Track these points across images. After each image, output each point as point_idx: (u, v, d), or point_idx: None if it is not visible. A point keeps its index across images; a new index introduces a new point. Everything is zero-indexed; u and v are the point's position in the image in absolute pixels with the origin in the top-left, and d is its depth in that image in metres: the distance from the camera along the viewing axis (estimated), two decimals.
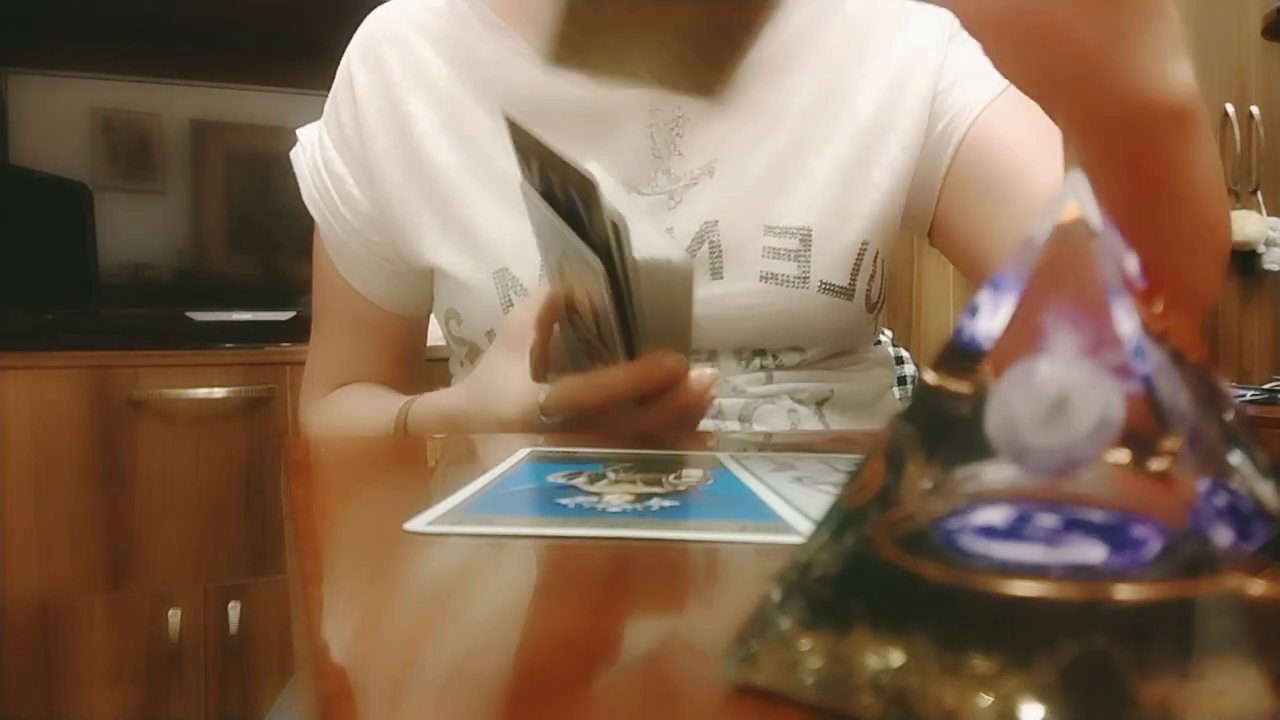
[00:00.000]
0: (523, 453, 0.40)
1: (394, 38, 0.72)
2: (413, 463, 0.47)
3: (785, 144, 0.67)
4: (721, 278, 0.66)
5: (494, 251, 0.67)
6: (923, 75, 0.68)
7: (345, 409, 0.75)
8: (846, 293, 0.67)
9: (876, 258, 0.69)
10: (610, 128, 0.68)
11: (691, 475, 0.36)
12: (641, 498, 0.31)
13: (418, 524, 0.27)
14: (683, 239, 0.66)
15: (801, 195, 0.66)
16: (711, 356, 0.66)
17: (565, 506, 0.30)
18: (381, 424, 0.67)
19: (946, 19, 0.70)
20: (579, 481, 0.34)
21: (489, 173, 0.68)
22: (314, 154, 0.76)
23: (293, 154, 0.77)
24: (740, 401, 0.66)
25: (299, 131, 0.78)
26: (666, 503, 0.31)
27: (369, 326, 0.77)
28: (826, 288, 0.66)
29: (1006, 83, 0.68)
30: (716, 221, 0.66)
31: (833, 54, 0.69)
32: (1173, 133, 0.38)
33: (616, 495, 0.32)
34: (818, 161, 0.67)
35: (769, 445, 0.52)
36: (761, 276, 0.65)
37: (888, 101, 0.68)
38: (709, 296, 0.65)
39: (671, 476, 0.35)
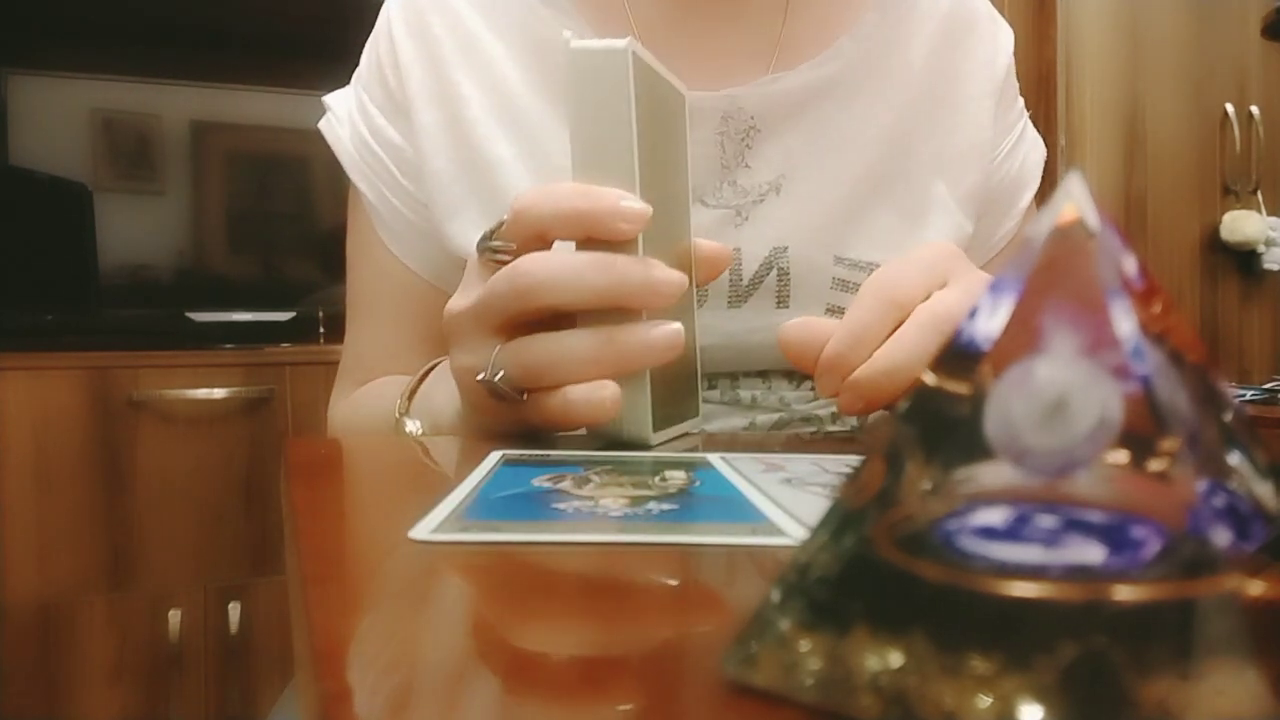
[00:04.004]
0: (494, 456, 0.39)
1: (441, 7, 0.66)
2: (412, 462, 0.47)
3: (860, 174, 0.66)
4: (787, 306, 0.63)
5: None
6: (975, 162, 0.70)
7: (368, 391, 0.68)
8: None
9: None
10: None
11: (676, 477, 0.35)
12: (637, 501, 0.31)
13: (420, 531, 0.27)
14: (751, 262, 0.63)
15: (874, 230, 0.65)
16: (764, 376, 0.65)
17: (563, 511, 0.30)
18: (401, 385, 0.59)
19: (989, 97, 0.71)
20: (566, 485, 0.33)
21: (544, 167, 0.63)
22: (356, 125, 0.68)
23: (323, 126, 0.70)
24: (776, 415, 0.64)
25: (327, 100, 0.71)
26: (665, 506, 0.31)
27: (418, 309, 0.69)
28: None
29: (1013, 232, 0.73)
30: (786, 248, 0.64)
31: (905, 90, 0.68)
32: None
33: (612, 499, 0.31)
34: (889, 199, 0.66)
35: (762, 446, 0.52)
36: (827, 309, 0.64)
37: (949, 164, 0.68)
38: (772, 324, 0.62)
39: (657, 479, 0.35)
